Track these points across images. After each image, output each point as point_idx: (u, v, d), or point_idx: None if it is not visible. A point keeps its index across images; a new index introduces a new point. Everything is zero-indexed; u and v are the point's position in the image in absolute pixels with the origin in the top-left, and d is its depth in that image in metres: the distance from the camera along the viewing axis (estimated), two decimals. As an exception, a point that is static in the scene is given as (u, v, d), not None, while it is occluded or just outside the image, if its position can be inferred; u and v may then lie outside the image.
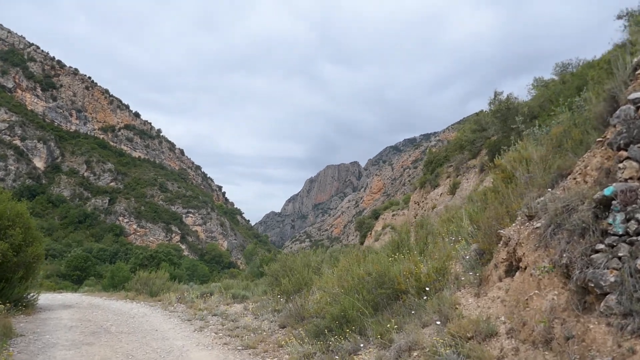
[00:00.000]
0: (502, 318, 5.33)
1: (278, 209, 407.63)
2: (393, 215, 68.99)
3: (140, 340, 9.23)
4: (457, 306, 6.09)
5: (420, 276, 6.82)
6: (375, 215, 75.74)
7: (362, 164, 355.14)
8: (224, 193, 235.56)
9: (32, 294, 14.37)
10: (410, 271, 6.94)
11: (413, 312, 6.48)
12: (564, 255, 4.63)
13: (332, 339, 6.78)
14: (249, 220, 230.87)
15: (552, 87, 27.57)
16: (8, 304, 12.24)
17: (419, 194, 34.09)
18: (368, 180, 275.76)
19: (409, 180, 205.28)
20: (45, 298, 20.57)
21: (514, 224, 6.06)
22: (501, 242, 6.19)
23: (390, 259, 7.72)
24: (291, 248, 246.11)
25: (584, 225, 4.59)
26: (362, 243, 70.42)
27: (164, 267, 41.50)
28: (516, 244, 5.64)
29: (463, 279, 6.82)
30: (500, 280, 5.94)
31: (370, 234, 69.23)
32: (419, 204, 33.47)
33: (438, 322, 5.84)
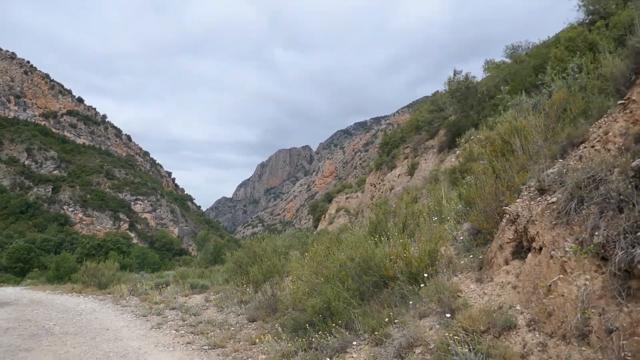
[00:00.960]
0: (518, 307, 4.63)
1: (230, 194, 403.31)
2: (347, 198, 68.84)
3: (89, 342, 8.05)
4: (458, 294, 5.37)
5: (410, 260, 6.07)
6: (329, 198, 75.38)
7: (314, 147, 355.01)
8: (174, 179, 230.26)
9: None
10: (399, 255, 6.18)
11: (410, 302, 5.72)
12: (598, 233, 3.95)
13: (316, 335, 5.94)
14: (200, 207, 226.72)
15: (506, 68, 27.58)
16: None
17: (375, 175, 33.67)
18: (320, 164, 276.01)
19: (360, 164, 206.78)
20: None
21: (519, 200, 5.38)
22: (504, 220, 5.51)
23: (370, 242, 6.94)
24: (243, 233, 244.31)
25: (620, 197, 3.92)
26: (315, 227, 69.91)
27: (112, 257, 39.70)
28: (527, 221, 4.94)
29: (462, 262, 6.12)
30: (507, 263, 5.25)
31: (324, 217, 68.85)
32: (375, 186, 33.06)
33: (444, 314, 5.08)
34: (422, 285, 5.88)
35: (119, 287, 15.72)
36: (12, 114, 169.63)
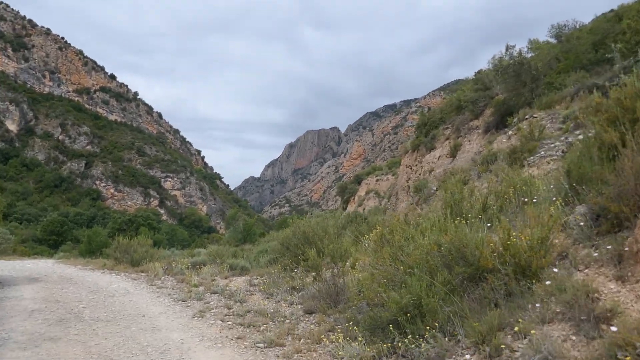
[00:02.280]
0: None
1: (257, 174, 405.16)
2: (377, 180, 67.60)
3: (123, 332, 6.99)
4: (596, 295, 4.16)
5: (519, 249, 4.86)
6: (358, 180, 74.28)
7: (342, 129, 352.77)
8: (203, 157, 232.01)
9: None
10: (504, 243, 4.98)
11: (520, 301, 4.51)
12: None
13: (404, 338, 4.76)
14: (228, 185, 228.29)
15: (557, 47, 25.74)
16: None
17: (412, 157, 32.23)
18: (348, 146, 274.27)
19: (389, 146, 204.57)
20: (11, 267, 18.26)
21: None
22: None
23: (460, 225, 5.73)
24: (270, 213, 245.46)
25: None
26: (344, 208, 69.00)
27: (143, 232, 39.43)
28: None
29: (582, 253, 4.87)
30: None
31: (354, 199, 67.85)
32: (411, 168, 31.66)
33: (585, 321, 3.85)
34: (535, 281, 4.68)
35: (153, 265, 14.87)
36: (47, 89, 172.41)
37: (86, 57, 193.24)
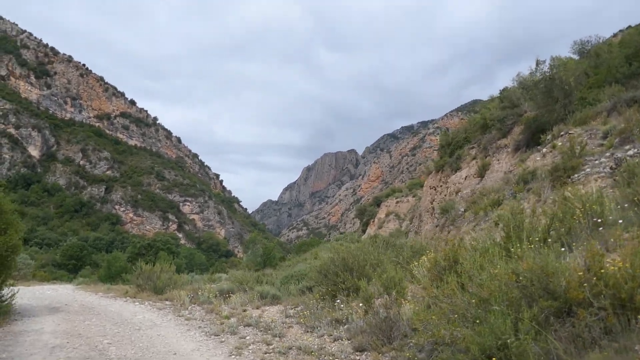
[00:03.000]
0: None
1: (275, 197, 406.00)
2: (397, 202, 66.70)
3: (154, 376, 6.24)
4: None
5: (617, 279, 4.09)
6: (377, 202, 73.46)
7: (359, 151, 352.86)
8: (221, 181, 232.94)
9: (5, 298, 11.14)
10: (597, 271, 4.20)
11: (622, 340, 3.72)
12: None
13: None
14: (246, 209, 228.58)
15: (584, 62, 25.01)
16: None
17: (435, 178, 31.49)
18: (366, 169, 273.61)
19: (407, 168, 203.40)
20: (31, 294, 17.73)
21: None
22: None
23: (545, 251, 4.93)
24: (288, 236, 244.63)
25: None
26: (364, 231, 68.08)
27: (162, 257, 38.96)
28: None
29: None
30: None
31: (373, 221, 66.91)
32: (435, 189, 30.88)
33: None
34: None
35: (178, 293, 14.17)
36: (68, 116, 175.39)
37: (107, 83, 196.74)
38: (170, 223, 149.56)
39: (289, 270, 15.99)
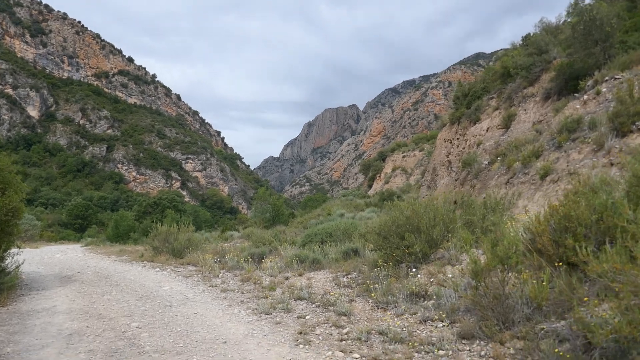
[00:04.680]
0: None
1: (276, 154, 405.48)
2: (403, 156, 66.13)
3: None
4: None
5: None
6: (382, 157, 72.92)
7: (361, 107, 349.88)
8: (223, 138, 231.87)
9: (8, 267, 9.82)
10: None
11: None
12: None
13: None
14: (249, 166, 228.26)
15: (618, 4, 23.90)
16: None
17: (450, 130, 30.75)
18: (367, 124, 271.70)
19: (410, 122, 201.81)
20: (39, 258, 17.01)
21: None
22: None
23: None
24: (291, 192, 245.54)
25: None
26: (370, 186, 67.85)
27: (169, 215, 38.85)
28: None
29: None
30: None
31: (379, 176, 66.56)
32: (451, 142, 30.20)
33: None
34: None
35: (202, 257, 12.80)
36: (65, 75, 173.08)
37: (103, 40, 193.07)
38: (174, 181, 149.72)
39: (311, 229, 15.06)
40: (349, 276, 9.41)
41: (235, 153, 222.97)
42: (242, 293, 9.24)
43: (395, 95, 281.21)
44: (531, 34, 25.75)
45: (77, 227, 64.50)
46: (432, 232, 8.10)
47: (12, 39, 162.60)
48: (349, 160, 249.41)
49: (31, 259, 16.27)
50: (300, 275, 10.22)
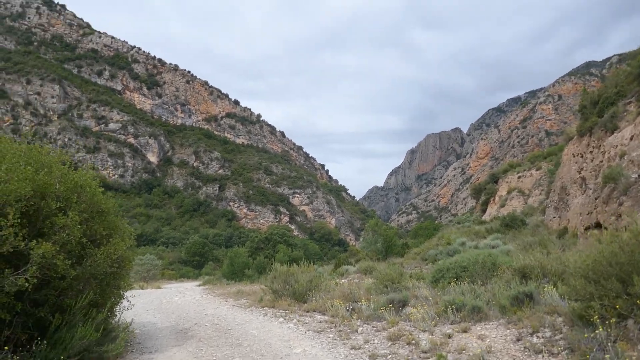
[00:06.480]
0: None
1: (380, 183, 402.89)
2: (519, 177, 61.88)
3: None
4: None
5: None
6: (494, 179, 68.82)
7: (464, 129, 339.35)
8: (327, 171, 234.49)
9: (115, 330, 8.37)
10: None
11: None
12: None
13: None
14: (354, 197, 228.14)
15: None
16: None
17: (579, 144, 27.61)
18: (473, 146, 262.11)
19: (519, 141, 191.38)
20: (157, 303, 16.57)
21: None
22: None
23: None
24: (398, 221, 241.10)
25: None
26: (483, 211, 63.99)
27: (281, 250, 38.70)
28: None
29: None
30: None
31: (493, 199, 62.66)
32: (582, 156, 27.05)
33: None
34: None
35: (331, 303, 11.20)
36: (179, 121, 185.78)
37: (211, 87, 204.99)
38: (282, 215, 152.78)
39: (442, 262, 12.76)
40: (539, 334, 7.15)
41: (340, 185, 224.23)
42: (401, 360, 7.17)
43: (500, 115, 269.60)
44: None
45: (195, 264, 67.06)
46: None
47: (131, 93, 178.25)
48: (456, 185, 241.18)
49: (150, 303, 15.94)
50: (464, 331, 8.10)
